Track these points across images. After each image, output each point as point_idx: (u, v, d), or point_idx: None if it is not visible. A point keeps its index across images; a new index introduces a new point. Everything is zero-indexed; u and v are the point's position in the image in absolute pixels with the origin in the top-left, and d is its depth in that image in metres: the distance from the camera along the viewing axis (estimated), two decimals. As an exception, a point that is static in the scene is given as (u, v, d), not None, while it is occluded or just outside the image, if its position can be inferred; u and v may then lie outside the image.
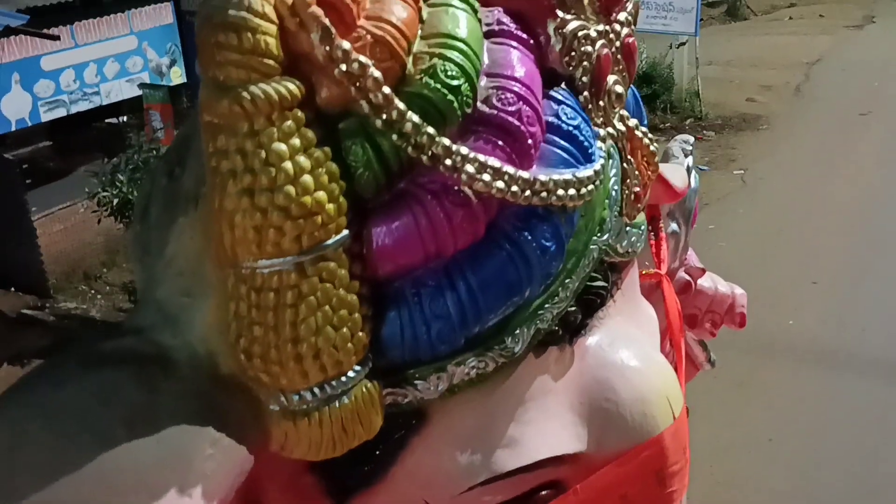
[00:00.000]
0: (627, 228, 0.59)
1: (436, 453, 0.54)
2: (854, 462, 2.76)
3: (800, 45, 9.32)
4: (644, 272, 0.84)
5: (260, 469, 0.55)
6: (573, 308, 0.56)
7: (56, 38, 4.88)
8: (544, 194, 0.49)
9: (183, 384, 0.45)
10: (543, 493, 0.55)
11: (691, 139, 1.02)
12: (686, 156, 1.00)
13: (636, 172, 0.60)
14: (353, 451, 0.53)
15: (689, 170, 0.96)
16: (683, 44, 7.43)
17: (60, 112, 5.29)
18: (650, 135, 0.62)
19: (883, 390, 3.15)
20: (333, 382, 0.45)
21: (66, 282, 5.01)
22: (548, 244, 0.50)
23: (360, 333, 0.45)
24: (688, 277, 1.03)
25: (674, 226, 0.98)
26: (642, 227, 0.62)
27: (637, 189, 0.60)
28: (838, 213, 4.86)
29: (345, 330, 0.45)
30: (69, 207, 5.15)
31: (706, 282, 1.07)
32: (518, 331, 0.52)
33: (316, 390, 0.45)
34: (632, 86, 0.62)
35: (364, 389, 0.47)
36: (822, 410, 3.08)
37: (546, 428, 0.55)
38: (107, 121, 5.68)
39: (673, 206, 0.95)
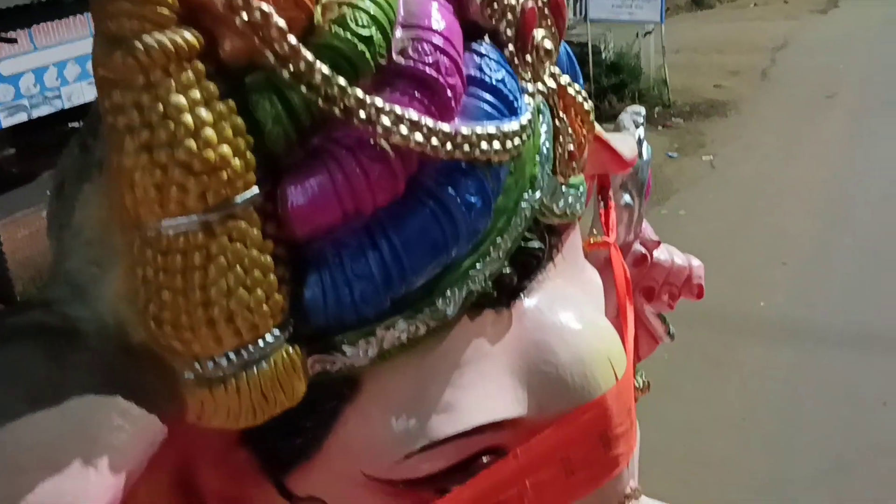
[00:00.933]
0: (563, 188, 0.58)
1: (370, 422, 0.52)
2: (828, 437, 2.79)
3: (765, 31, 9.39)
4: (592, 240, 0.83)
5: (188, 446, 0.53)
6: (508, 269, 0.54)
7: (13, 41, 4.81)
8: (467, 148, 0.47)
9: (91, 356, 0.43)
10: (484, 459, 0.54)
11: (642, 110, 1.01)
12: (637, 127, 0.99)
13: (569, 130, 0.58)
14: (285, 424, 0.52)
15: (640, 141, 0.95)
16: (650, 32, 7.46)
17: (21, 117, 5.21)
18: (584, 93, 0.61)
19: (854, 365, 3.18)
20: (250, 348, 0.44)
21: (33, 287, 4.95)
22: (473, 200, 0.48)
23: (277, 296, 0.44)
24: (643, 250, 1.02)
25: (627, 198, 0.97)
26: (581, 189, 0.61)
27: (571, 147, 0.59)
28: (806, 194, 4.90)
29: (259, 292, 0.43)
30: (33, 212, 5.08)
31: (662, 254, 1.06)
32: (449, 292, 0.50)
33: (231, 356, 0.43)
34: (564, 43, 0.61)
35: (284, 355, 0.45)
36: (795, 388, 3.11)
37: (484, 392, 0.54)
38: (70, 125, 5.60)
39: (626, 178, 0.94)
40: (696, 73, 7.89)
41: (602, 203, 0.90)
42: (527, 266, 0.56)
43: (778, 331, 3.48)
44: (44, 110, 5.24)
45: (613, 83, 7.46)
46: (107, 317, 0.44)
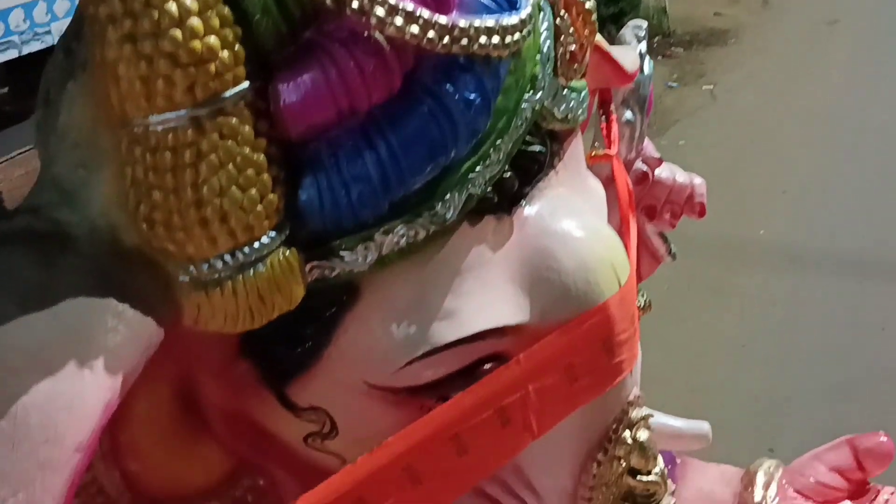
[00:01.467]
0: (565, 91, 0.56)
1: (370, 329, 0.51)
2: (827, 362, 2.80)
3: (767, -44, 9.18)
4: (594, 153, 0.81)
5: (188, 357, 0.52)
6: (509, 174, 0.53)
7: (1, -24, 4.71)
8: (465, 41, 0.46)
9: (82, 259, 0.42)
10: (486, 366, 0.53)
11: (644, 24, 0.98)
12: (639, 41, 0.96)
13: (571, 30, 0.57)
14: (285, 333, 0.51)
15: (642, 55, 0.93)
16: (648, -42, 7.31)
17: (12, 54, 5.12)
18: (585, -8, 0.59)
19: (853, 289, 3.19)
20: (246, 249, 0.43)
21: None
22: (471, 97, 0.47)
23: (271, 196, 0.43)
24: (645, 168, 1.00)
25: (628, 114, 0.95)
26: (583, 94, 0.59)
27: (573, 48, 0.57)
28: (807, 121, 4.85)
29: (253, 191, 0.42)
30: (29, 151, 5.03)
31: (664, 172, 1.04)
32: (448, 196, 0.49)
33: (227, 258, 0.43)
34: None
35: (281, 257, 0.44)
36: (794, 314, 3.12)
37: (485, 299, 0.53)
38: (62, 62, 5.52)
39: (627, 93, 0.91)
40: (695, 1, 7.75)
41: (604, 117, 0.88)
42: (528, 171, 0.54)
43: (778, 258, 3.49)
44: (34, 46, 5.15)
45: (612, 12, 7.33)
46: (97, 221, 0.43)
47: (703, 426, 0.75)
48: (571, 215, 0.56)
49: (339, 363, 0.53)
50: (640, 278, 1.08)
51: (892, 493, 0.87)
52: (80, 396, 0.39)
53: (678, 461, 0.95)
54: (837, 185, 4.09)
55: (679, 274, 3.37)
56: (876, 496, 0.87)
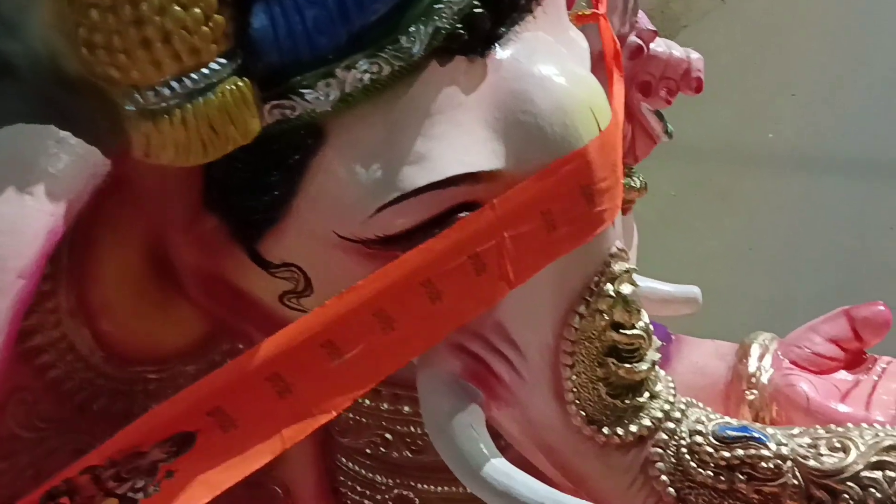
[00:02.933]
0: None
1: (338, 175, 0.50)
2: (835, 262, 2.79)
3: None
4: (580, 13, 0.78)
5: (153, 215, 0.51)
6: (480, 10, 0.50)
7: None
8: None
9: (23, 86, 0.40)
10: (461, 214, 0.52)
11: None
12: None
13: None
14: (250, 182, 0.49)
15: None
16: None
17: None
18: None
19: (861, 190, 3.16)
20: (193, 75, 0.41)
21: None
22: None
23: (217, 17, 0.40)
24: (639, 41, 0.97)
25: (620, -18, 0.91)
26: None
27: None
28: (818, 24, 4.72)
29: (196, 10, 0.39)
30: None
31: (659, 46, 1.01)
32: (413, 28, 0.47)
33: (174, 84, 0.41)
34: None
35: (233, 86, 0.42)
36: (802, 216, 3.09)
37: (457, 143, 0.51)
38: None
39: (618, -41, 0.88)
40: None
41: (591, -20, 0.84)
42: (501, 9, 0.52)
43: (786, 161, 3.44)
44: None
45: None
46: (39, 48, 0.41)
47: (693, 290, 0.74)
48: (549, 60, 0.54)
49: (308, 214, 0.51)
50: (635, 159, 1.06)
51: (889, 363, 0.87)
52: (21, 220, 0.38)
53: (673, 337, 0.94)
54: (846, 88, 4.01)
55: (687, 180, 3.34)
56: (873, 365, 0.87)
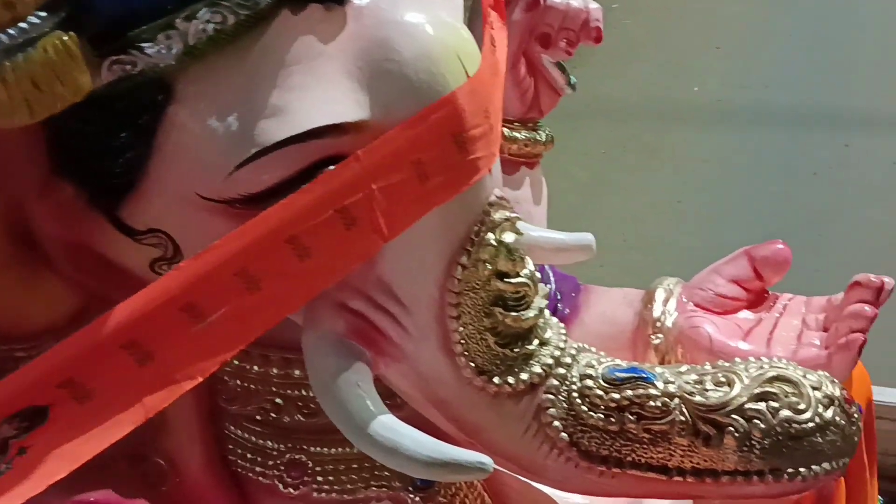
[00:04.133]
0: None
1: (193, 133, 0.48)
2: (762, 210, 2.84)
3: None
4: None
5: (8, 182, 0.49)
6: None
7: None
8: None
9: None
10: (329, 168, 0.50)
11: None
12: None
13: None
14: (99, 145, 0.47)
15: None
16: None
17: None
18: None
19: (786, 141, 3.22)
20: (10, 31, 0.39)
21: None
22: None
23: None
24: (535, -7, 0.96)
25: (512, -73, 0.90)
26: None
27: None
28: (741, -23, 4.77)
29: (9, -40, 0.37)
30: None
31: (556, -3, 1.00)
32: None
33: (-11, 41, 0.39)
34: None
35: (57, 42, 0.40)
36: (729, 168, 3.14)
37: (319, 95, 0.49)
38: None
39: None
40: None
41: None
42: None
43: (711, 114, 3.49)
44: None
45: None
46: None
47: (587, 237, 0.74)
48: (413, 6, 0.53)
49: (167, 176, 0.49)
50: (541, 113, 1.05)
51: (790, 300, 0.88)
52: None
53: (582, 288, 0.94)
54: (772, 40, 4.07)
55: (615, 138, 3.36)
56: (774, 303, 0.88)
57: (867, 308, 0.77)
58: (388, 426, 0.54)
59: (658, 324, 0.85)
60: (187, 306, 0.46)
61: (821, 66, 3.73)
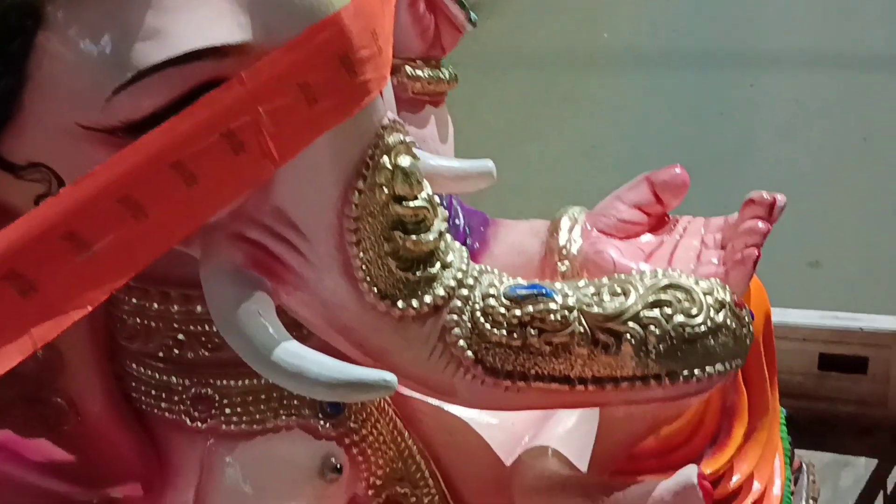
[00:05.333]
0: None
1: (66, 59, 0.46)
2: (673, 150, 2.90)
3: None
4: None
5: None
6: None
7: None
8: None
9: None
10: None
11: None
12: None
13: None
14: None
15: None
16: None
17: None
18: None
19: (695, 81, 3.29)
20: None
21: None
22: None
23: None
24: (427, -73, 0.96)
25: None
26: None
27: None
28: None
29: None
30: None
31: (448, -68, 0.99)
32: None
33: None
34: None
35: None
36: (641, 111, 3.21)
37: (197, 16, 0.48)
38: None
39: None
40: None
41: None
42: None
43: (623, 60, 3.54)
44: None
45: None
46: None
47: (487, 163, 0.74)
48: None
49: (44, 106, 0.48)
50: (443, 51, 1.05)
51: (690, 222, 0.90)
52: None
53: (490, 222, 0.95)
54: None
55: (529, 88, 3.39)
56: (675, 226, 0.90)
57: (760, 224, 0.79)
58: (292, 352, 0.54)
59: (564, 251, 0.86)
60: (68, 234, 0.45)
61: (726, 9, 3.81)
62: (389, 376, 0.54)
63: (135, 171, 0.46)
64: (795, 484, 1.07)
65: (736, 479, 0.91)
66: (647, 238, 0.88)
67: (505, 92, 3.28)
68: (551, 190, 2.74)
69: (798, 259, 2.25)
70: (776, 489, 0.96)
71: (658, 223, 0.90)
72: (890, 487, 1.24)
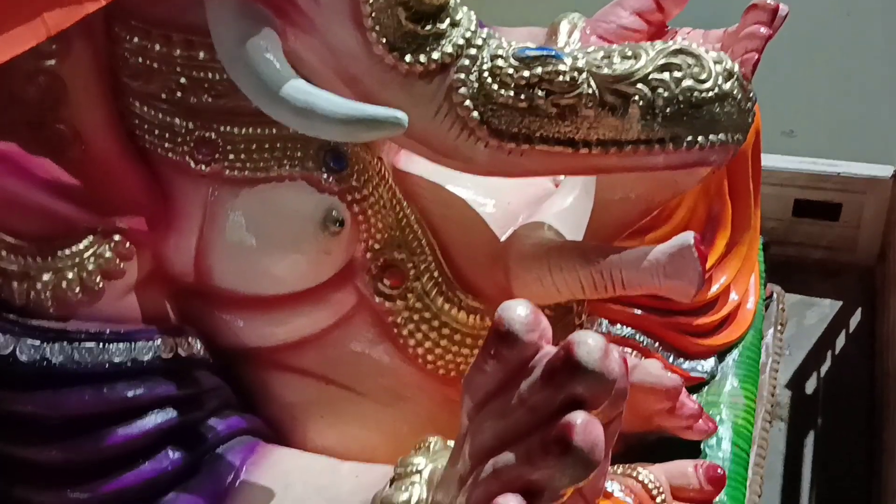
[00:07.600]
0: None
1: None
2: None
3: None
4: None
5: None
6: None
7: None
8: None
9: None
10: None
11: None
12: None
13: None
14: None
15: None
16: None
17: None
18: None
19: None
20: None
21: None
22: None
23: None
24: None
25: None
26: None
27: None
28: None
29: None
30: None
31: None
32: None
33: None
34: None
35: None
36: None
37: None
38: None
39: None
40: None
41: None
42: None
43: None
44: None
45: None
46: None
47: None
48: None
49: None
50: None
51: (689, 32, 0.89)
52: None
53: (488, 27, 0.93)
54: None
55: None
56: (673, 38, 0.89)
57: (762, 29, 0.79)
58: (301, 88, 0.54)
59: (561, 53, 0.85)
60: None
61: None
62: (401, 114, 0.54)
63: None
64: (766, 309, 1.10)
65: (715, 288, 0.94)
66: (644, 46, 0.87)
67: None
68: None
69: (773, 128, 2.25)
70: (749, 304, 0.99)
71: (657, 32, 0.89)
72: (853, 327, 1.28)
